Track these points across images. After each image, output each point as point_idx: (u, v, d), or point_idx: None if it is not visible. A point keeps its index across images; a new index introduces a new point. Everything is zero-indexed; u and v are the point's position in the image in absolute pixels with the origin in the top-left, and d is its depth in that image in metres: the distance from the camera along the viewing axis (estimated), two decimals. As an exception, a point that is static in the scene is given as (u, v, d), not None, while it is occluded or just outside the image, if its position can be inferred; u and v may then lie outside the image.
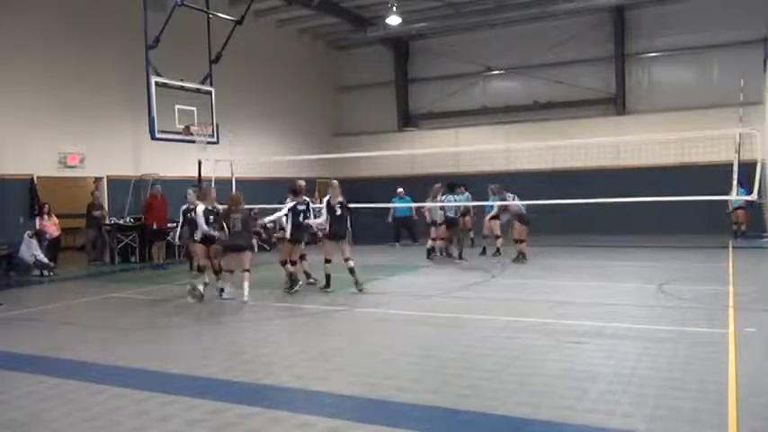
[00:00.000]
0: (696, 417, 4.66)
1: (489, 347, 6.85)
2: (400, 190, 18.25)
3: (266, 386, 5.77)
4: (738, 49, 19.19)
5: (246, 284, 9.97)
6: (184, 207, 11.10)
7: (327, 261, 10.86)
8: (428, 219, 15.55)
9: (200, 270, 10.76)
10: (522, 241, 14.22)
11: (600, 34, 21.46)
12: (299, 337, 7.81)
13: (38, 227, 14.50)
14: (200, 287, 10.34)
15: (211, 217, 10.61)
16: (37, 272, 13.96)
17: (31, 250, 13.84)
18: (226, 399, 5.36)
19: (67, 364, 6.79)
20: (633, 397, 5.11)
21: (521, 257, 14.19)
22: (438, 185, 15.21)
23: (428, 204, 15.55)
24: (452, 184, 15.30)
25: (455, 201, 14.83)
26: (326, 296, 10.47)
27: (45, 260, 14.01)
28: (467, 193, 15.74)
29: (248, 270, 10.18)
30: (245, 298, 9.87)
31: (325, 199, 10.94)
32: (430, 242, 15.36)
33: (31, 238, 13.90)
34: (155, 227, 15.49)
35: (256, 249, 14.15)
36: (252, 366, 6.44)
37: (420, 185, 18.22)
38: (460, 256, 14.82)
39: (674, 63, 20.98)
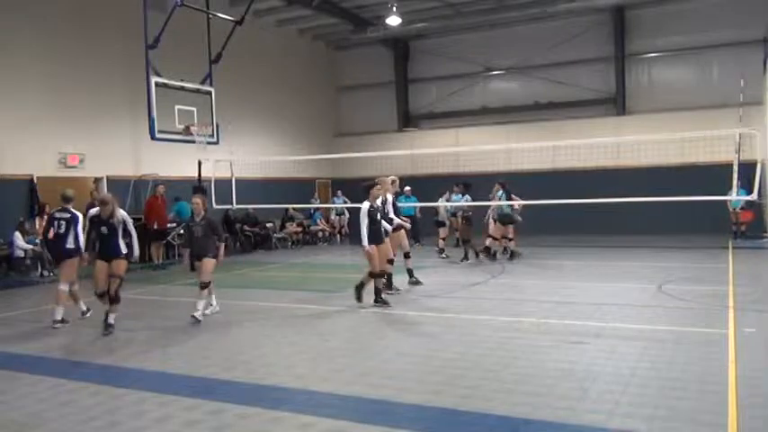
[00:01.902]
0: (696, 417, 4.66)
1: (489, 347, 6.84)
2: (407, 188, 17.65)
3: (266, 386, 5.77)
4: (738, 49, 19.19)
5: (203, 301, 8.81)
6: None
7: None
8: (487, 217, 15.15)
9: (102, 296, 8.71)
10: (496, 239, 14.48)
11: (600, 34, 21.46)
12: (299, 337, 7.80)
13: (36, 227, 14.48)
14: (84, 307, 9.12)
15: (104, 228, 8.74)
16: (37, 273, 13.94)
17: (18, 244, 13.80)
18: (225, 399, 5.36)
19: (67, 364, 6.79)
20: (633, 397, 5.11)
21: (510, 254, 14.39)
22: (498, 186, 14.71)
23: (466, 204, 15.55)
24: (467, 183, 15.32)
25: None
26: (326, 297, 10.46)
27: (28, 246, 13.82)
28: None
29: (207, 283, 8.80)
30: (206, 311, 8.89)
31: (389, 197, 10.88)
32: (489, 241, 14.77)
33: (16, 230, 13.87)
34: (155, 227, 15.48)
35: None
36: (251, 366, 6.43)
37: (422, 185, 18.21)
38: (467, 257, 14.84)
39: (674, 63, 20.97)
